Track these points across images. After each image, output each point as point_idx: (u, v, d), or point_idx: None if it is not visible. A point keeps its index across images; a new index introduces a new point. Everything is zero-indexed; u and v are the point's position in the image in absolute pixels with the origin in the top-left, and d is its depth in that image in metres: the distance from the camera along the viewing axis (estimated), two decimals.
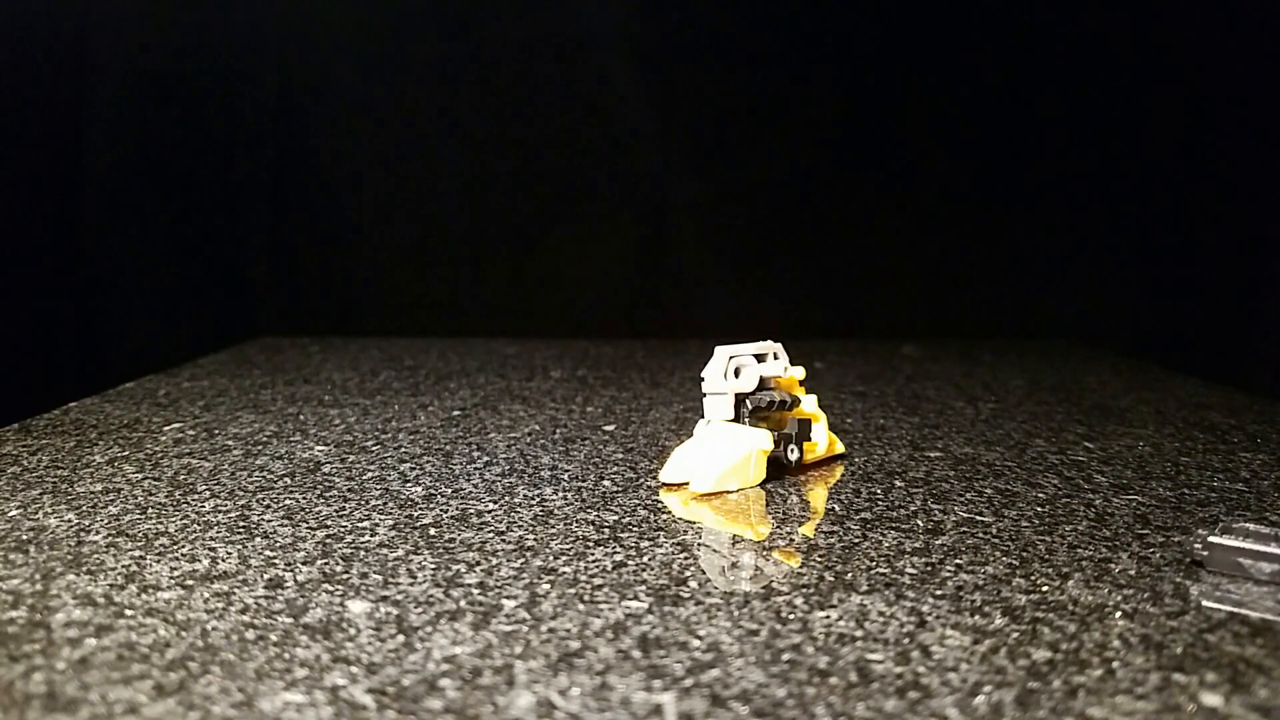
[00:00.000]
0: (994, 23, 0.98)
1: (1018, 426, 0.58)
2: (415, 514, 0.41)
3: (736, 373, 0.46)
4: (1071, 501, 0.43)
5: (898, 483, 0.46)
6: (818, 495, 0.45)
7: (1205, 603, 0.32)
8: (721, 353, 0.47)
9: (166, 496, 0.43)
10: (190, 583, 0.33)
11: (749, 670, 0.27)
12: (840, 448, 0.51)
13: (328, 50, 0.99)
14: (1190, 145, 0.94)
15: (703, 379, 0.47)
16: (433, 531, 0.39)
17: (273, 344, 0.91)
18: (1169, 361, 0.84)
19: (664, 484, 0.46)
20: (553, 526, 0.39)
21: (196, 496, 0.43)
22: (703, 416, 0.47)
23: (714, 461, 0.45)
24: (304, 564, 0.35)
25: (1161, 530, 0.39)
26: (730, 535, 0.39)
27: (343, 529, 0.39)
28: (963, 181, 1.01)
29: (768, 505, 0.43)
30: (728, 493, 0.44)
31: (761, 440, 0.46)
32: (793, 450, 0.47)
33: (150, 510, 0.41)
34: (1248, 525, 0.35)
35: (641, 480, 0.46)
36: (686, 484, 0.45)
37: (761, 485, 0.45)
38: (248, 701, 0.25)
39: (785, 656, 0.28)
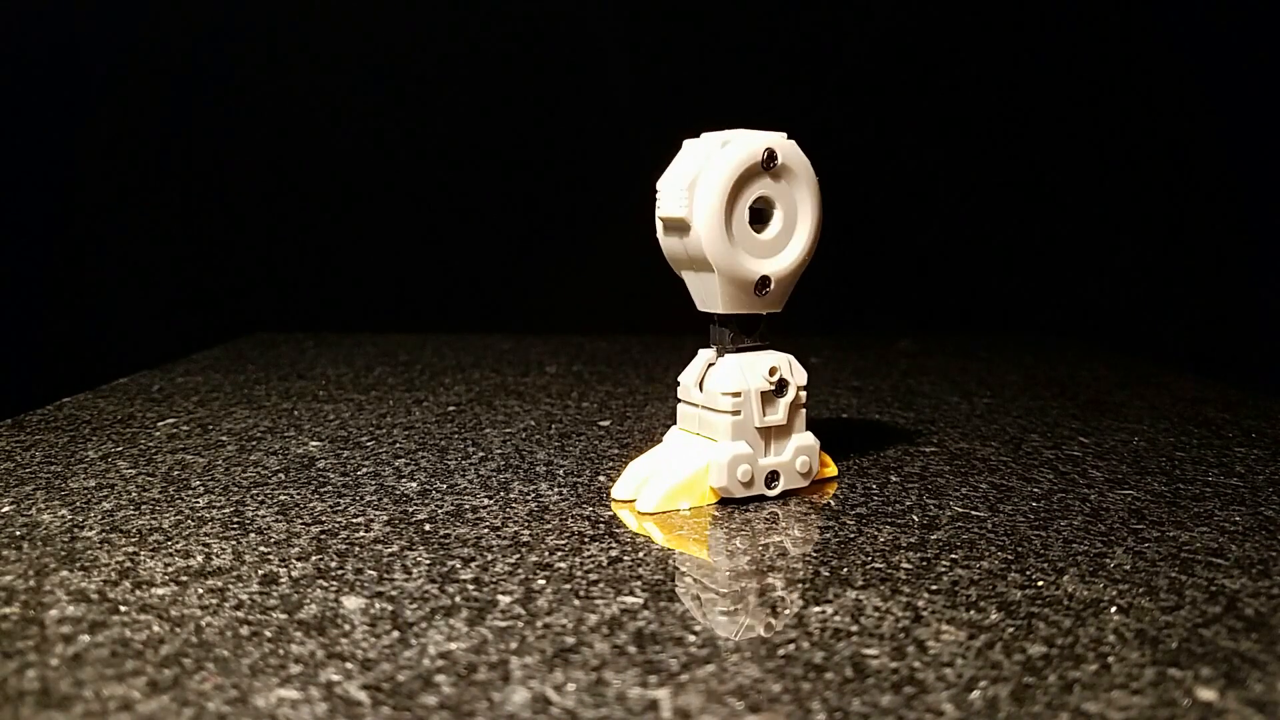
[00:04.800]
0: (993, 16, 0.98)
1: (1013, 422, 0.58)
2: (410, 509, 0.41)
3: (782, 384, 0.43)
4: (1067, 496, 0.43)
5: (893, 478, 0.46)
6: (812, 491, 0.44)
7: (1200, 597, 0.32)
8: (701, 356, 0.43)
9: (160, 492, 0.43)
10: (184, 579, 0.33)
11: (744, 666, 0.27)
12: (832, 469, 0.46)
13: (321, 44, 0.99)
14: (1186, 141, 0.94)
15: (677, 383, 0.44)
16: (428, 527, 0.39)
17: (267, 339, 0.91)
18: (1164, 357, 0.84)
19: (614, 500, 0.42)
20: (548, 522, 0.39)
21: (190, 492, 0.43)
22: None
23: (663, 477, 0.41)
24: (298, 560, 0.35)
25: (1156, 525, 0.39)
26: (725, 530, 0.39)
27: (337, 525, 0.39)
28: (959, 177, 1.01)
29: (762, 500, 0.42)
30: (677, 511, 0.41)
31: (717, 452, 0.41)
32: (774, 485, 0.43)
33: (144, 506, 0.41)
34: None
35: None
36: (633, 501, 0.41)
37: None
38: (242, 698, 0.25)
39: (780, 652, 0.28)
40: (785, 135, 0.42)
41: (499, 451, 0.50)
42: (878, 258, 1.01)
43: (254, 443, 0.52)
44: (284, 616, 0.30)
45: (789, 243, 0.42)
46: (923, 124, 1.00)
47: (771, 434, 0.43)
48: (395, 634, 0.29)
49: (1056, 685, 0.26)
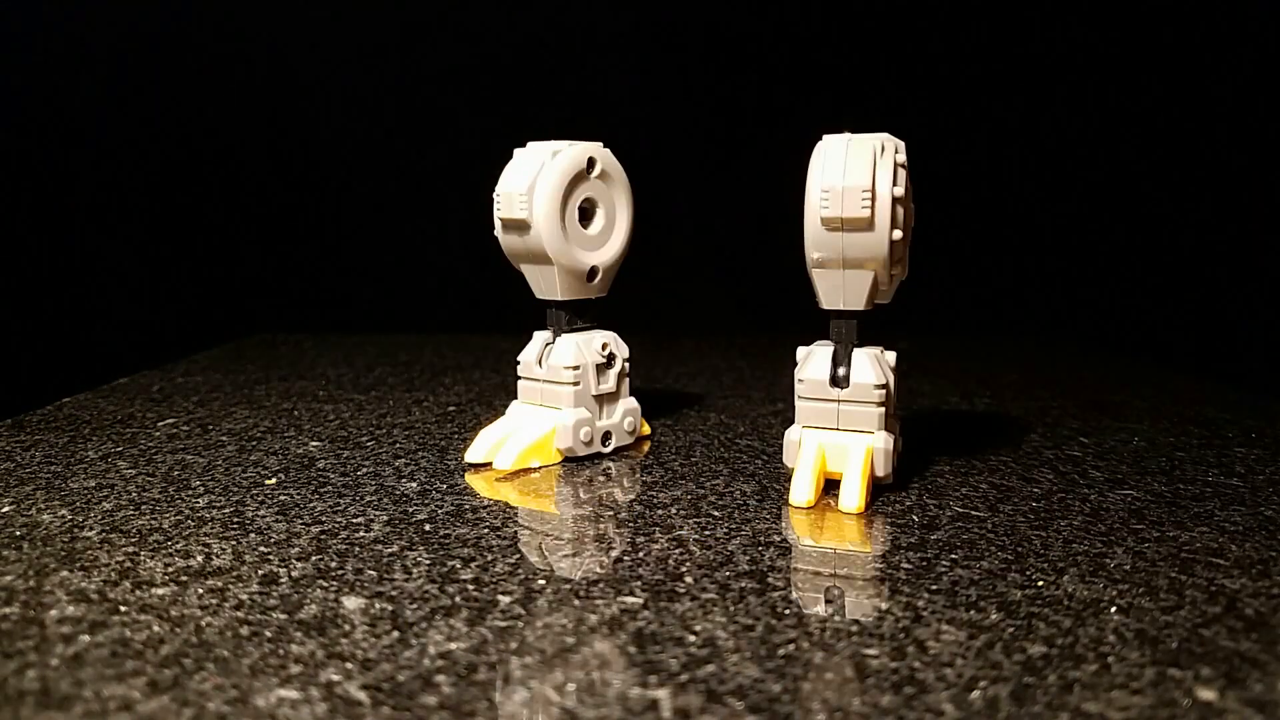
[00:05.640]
0: (994, 14, 0.98)
1: (1013, 422, 0.58)
2: (410, 509, 0.41)
3: (611, 357, 0.49)
4: (1067, 496, 0.43)
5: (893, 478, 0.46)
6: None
7: (1200, 597, 0.32)
8: (538, 337, 0.49)
9: (160, 492, 0.43)
10: (184, 579, 0.33)
11: (744, 665, 0.27)
12: (646, 429, 0.53)
13: (322, 44, 0.99)
14: (1184, 141, 0.94)
15: (518, 362, 0.50)
16: (428, 527, 0.39)
17: (267, 340, 0.91)
18: (1163, 357, 0.84)
19: (469, 464, 0.47)
20: (548, 522, 0.39)
21: (190, 492, 0.43)
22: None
23: (516, 440, 0.47)
24: (298, 560, 0.35)
25: (1156, 525, 0.39)
26: (725, 530, 0.39)
27: (337, 525, 0.39)
28: (957, 177, 1.01)
29: (761, 501, 0.42)
30: (530, 470, 0.46)
31: (562, 417, 0.48)
32: (608, 443, 0.50)
33: (144, 506, 0.41)
34: None
35: (637, 475, 0.46)
36: (490, 464, 0.47)
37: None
38: (242, 698, 0.25)
39: (780, 652, 0.28)
40: (602, 144, 0.48)
41: None
42: None
43: (254, 443, 0.52)
44: (284, 616, 0.30)
45: (611, 236, 0.49)
46: (922, 123, 1.00)
47: (604, 400, 0.49)
48: (395, 634, 0.29)
49: (1056, 685, 0.26)
